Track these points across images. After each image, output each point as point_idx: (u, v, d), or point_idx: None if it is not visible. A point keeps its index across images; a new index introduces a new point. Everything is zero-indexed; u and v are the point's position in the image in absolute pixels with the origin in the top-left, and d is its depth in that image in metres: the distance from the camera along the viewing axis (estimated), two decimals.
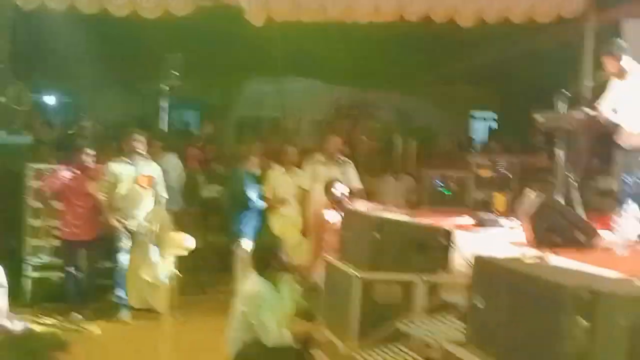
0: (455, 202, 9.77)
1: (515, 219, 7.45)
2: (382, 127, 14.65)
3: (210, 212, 10.63)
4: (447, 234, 5.54)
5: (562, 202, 6.82)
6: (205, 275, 9.65)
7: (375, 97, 16.17)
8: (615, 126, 7.03)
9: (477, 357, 3.18)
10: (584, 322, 2.65)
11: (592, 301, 2.66)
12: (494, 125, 18.05)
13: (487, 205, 9.42)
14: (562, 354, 2.69)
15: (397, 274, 5.27)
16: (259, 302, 5.73)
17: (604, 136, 7.42)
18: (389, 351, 4.96)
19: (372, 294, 5.26)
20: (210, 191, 10.89)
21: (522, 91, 12.87)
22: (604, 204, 8.02)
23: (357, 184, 9.38)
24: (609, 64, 7.20)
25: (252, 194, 9.20)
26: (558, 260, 5.17)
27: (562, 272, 3.73)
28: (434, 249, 5.45)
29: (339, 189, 8.30)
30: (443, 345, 3.43)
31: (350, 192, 8.60)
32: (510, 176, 10.13)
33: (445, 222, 7.13)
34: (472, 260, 3.57)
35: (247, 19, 9.30)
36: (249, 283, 5.97)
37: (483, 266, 3.47)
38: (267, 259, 6.00)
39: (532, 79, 12.04)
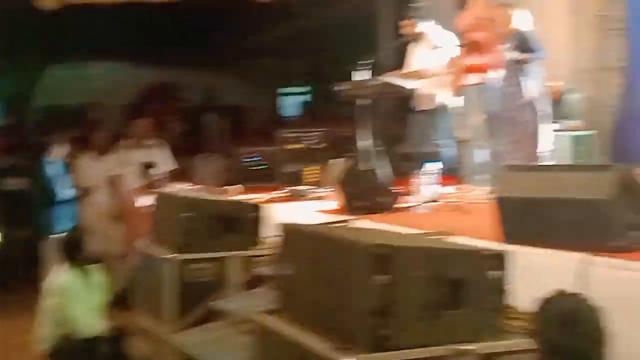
0: (268, 178, 9.82)
1: (326, 188, 7.60)
2: (192, 106, 14.49)
3: (16, 205, 10.11)
4: (256, 209, 5.57)
5: (368, 168, 7.02)
6: (9, 272, 9.19)
7: (182, 76, 15.93)
8: (411, 90, 7.32)
9: (285, 323, 3.21)
10: (383, 277, 2.73)
11: (388, 256, 2.74)
12: (306, 98, 18.26)
13: (299, 178, 9.55)
14: (365, 309, 2.76)
15: (209, 253, 5.25)
16: (69, 295, 5.54)
17: (402, 101, 7.72)
18: (206, 331, 4.94)
19: (186, 275, 5.21)
20: (13, 184, 10.36)
21: (331, 62, 13.06)
22: (410, 168, 8.32)
23: (170, 165, 9.25)
24: (406, 28, 7.49)
25: (60, 184, 8.85)
26: (363, 224, 5.32)
27: (362, 232, 3.84)
28: (244, 224, 5.46)
29: (151, 173, 8.14)
30: (251, 316, 3.44)
31: (163, 175, 8.46)
32: (321, 148, 10.32)
33: (258, 197, 7.17)
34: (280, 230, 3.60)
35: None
36: (58, 276, 5.76)
37: (289, 234, 3.51)
38: (76, 250, 5.80)
39: (340, 49, 12.27)
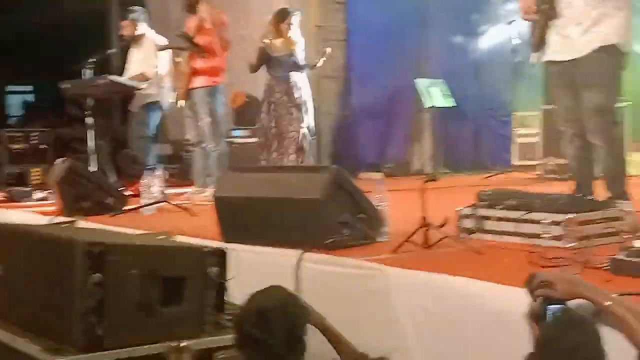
0: None
1: (48, 189, 7.33)
2: None
3: None
4: None
5: (95, 169, 6.88)
6: None
7: None
8: (136, 90, 7.30)
9: None
10: (96, 275, 2.69)
11: (101, 254, 2.71)
12: (31, 96, 17.48)
13: (24, 179, 9.15)
14: (78, 309, 2.71)
15: None
16: None
17: (129, 101, 7.66)
18: None
19: None
20: None
21: (59, 60, 12.60)
22: (137, 169, 8.26)
23: None
24: (126, 29, 7.48)
25: None
26: (88, 225, 5.20)
27: (78, 231, 3.75)
28: None
29: None
30: None
31: None
32: (47, 147, 9.95)
33: None
34: None
35: None
36: None
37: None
38: None
39: (68, 47, 11.87)
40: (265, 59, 7.52)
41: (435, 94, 9.15)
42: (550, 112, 7.99)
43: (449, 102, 9.26)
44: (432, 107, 9.24)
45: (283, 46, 7.45)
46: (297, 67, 7.52)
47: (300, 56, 7.57)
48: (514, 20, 8.97)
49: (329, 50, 7.74)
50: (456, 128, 10.55)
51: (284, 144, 7.35)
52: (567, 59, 4.51)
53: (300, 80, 7.53)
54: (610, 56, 4.42)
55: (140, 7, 7.96)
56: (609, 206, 4.00)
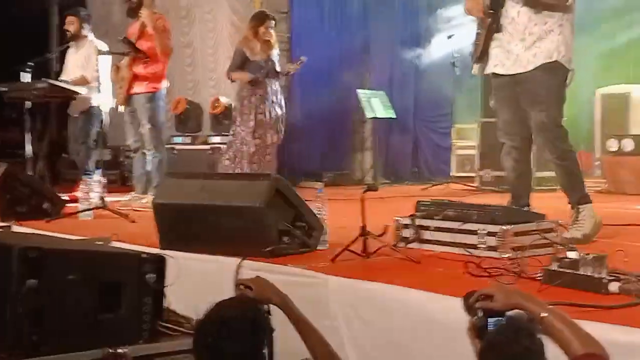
0: None
1: None
2: None
3: None
4: None
5: (32, 173, 6.78)
6: None
7: None
8: (76, 95, 7.21)
9: None
10: (33, 281, 2.66)
11: (38, 259, 2.68)
12: None
13: None
14: (14, 315, 2.67)
15: None
16: None
17: (68, 105, 7.57)
18: None
19: None
20: None
21: None
22: (76, 174, 8.16)
23: None
24: (72, 26, 7.42)
25: None
26: (24, 229, 5.13)
27: (15, 236, 3.70)
28: None
29: None
30: None
31: None
32: None
33: None
34: None
35: None
36: None
37: None
38: None
39: (7, 49, 11.68)
40: (242, 62, 7.35)
41: (376, 105, 9.24)
42: (487, 125, 8.15)
43: (390, 113, 9.37)
44: (374, 117, 9.33)
45: (261, 50, 7.32)
46: (275, 73, 7.38)
47: (277, 62, 7.44)
48: (453, 35, 9.13)
49: (304, 58, 7.51)
50: (396, 139, 10.68)
51: (263, 152, 7.28)
52: (509, 73, 4.55)
53: (279, 88, 7.46)
54: (554, 73, 4.47)
55: (86, 9, 7.92)
56: (543, 218, 4.10)
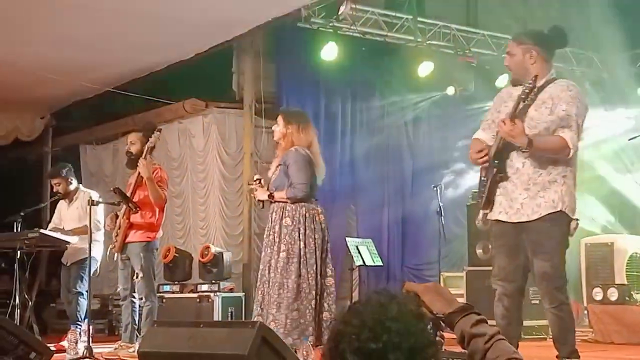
0: None
1: None
2: None
3: None
4: None
5: (19, 323, 6.77)
6: None
7: None
8: (67, 245, 7.29)
9: None
10: None
11: None
12: None
13: None
14: None
15: None
16: None
17: (58, 255, 7.64)
18: None
19: None
20: None
21: None
22: (64, 324, 8.15)
23: None
24: (60, 187, 7.60)
25: None
26: None
27: None
28: None
29: None
30: None
31: None
32: None
33: None
34: None
35: None
36: None
37: None
38: None
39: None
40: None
41: (364, 253, 9.31)
42: (473, 273, 8.24)
43: (377, 261, 9.43)
44: (362, 265, 9.37)
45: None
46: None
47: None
48: (439, 185, 9.34)
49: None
50: (383, 287, 10.68)
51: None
52: (513, 221, 4.58)
53: None
54: (559, 223, 4.52)
55: (68, 164, 8.13)
56: None
